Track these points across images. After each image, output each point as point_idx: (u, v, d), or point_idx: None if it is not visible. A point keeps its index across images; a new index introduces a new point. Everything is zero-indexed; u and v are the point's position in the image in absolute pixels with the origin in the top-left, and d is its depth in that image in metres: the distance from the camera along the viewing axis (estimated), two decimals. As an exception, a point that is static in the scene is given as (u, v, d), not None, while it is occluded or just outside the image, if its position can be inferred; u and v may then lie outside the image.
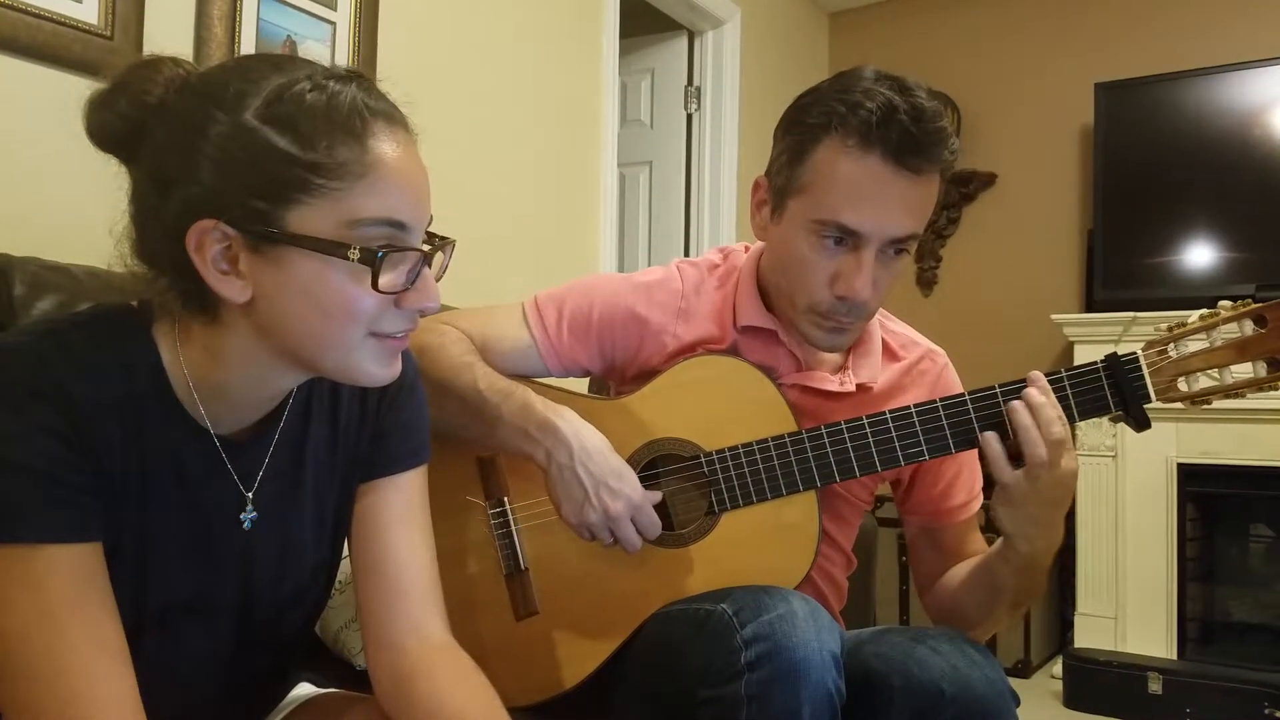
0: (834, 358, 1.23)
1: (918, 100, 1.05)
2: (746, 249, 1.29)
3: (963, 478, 1.26)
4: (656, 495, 1.11)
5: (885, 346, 1.26)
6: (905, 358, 1.26)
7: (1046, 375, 1.08)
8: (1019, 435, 1.03)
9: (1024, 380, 1.07)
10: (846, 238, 1.09)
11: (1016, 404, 1.04)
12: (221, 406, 0.81)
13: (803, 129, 1.11)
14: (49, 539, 0.71)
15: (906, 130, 1.04)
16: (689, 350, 1.21)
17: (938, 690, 0.99)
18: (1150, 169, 3.15)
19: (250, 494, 0.84)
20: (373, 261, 0.73)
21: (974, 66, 3.74)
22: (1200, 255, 3.08)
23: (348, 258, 0.72)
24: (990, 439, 1.06)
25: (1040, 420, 1.03)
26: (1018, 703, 1.04)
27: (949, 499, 1.26)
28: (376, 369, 0.79)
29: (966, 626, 1.18)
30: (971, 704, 0.99)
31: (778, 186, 1.15)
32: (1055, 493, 1.04)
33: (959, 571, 1.23)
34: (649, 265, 3.42)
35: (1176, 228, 3.10)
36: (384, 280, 0.74)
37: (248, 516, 0.85)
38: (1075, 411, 1.08)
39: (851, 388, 1.20)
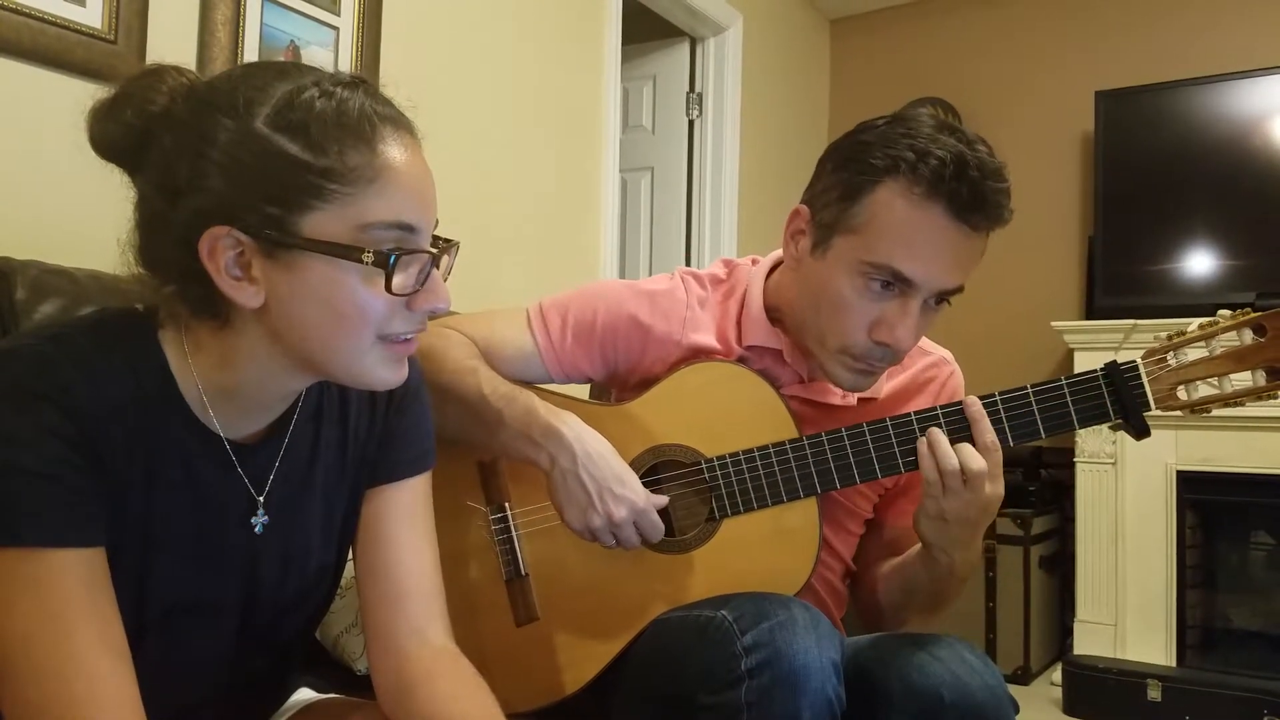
0: None
1: (984, 156, 1.04)
2: (754, 262, 1.28)
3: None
4: (662, 500, 1.11)
5: None
6: (911, 366, 1.26)
7: (1045, 383, 1.09)
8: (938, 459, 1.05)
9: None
10: (895, 284, 1.07)
11: (936, 431, 1.06)
12: (231, 410, 0.81)
13: (862, 167, 1.08)
14: (53, 542, 0.71)
15: (977, 186, 1.03)
16: (692, 358, 1.21)
17: (937, 697, 1.00)
18: (1150, 176, 3.15)
19: (261, 497, 0.85)
20: (386, 264, 0.74)
21: (975, 73, 3.75)
22: (1200, 263, 3.08)
23: (362, 261, 0.73)
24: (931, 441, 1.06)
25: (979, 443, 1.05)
26: (1017, 709, 1.04)
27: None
28: (385, 373, 0.79)
29: (880, 622, 1.22)
30: (971, 711, 1.00)
31: (824, 221, 1.11)
32: (972, 513, 1.05)
33: (884, 568, 1.25)
34: (650, 271, 3.44)
35: (1177, 235, 3.10)
36: (396, 282, 0.75)
37: (259, 520, 0.85)
38: (1075, 419, 1.08)
39: (853, 401, 1.20)
